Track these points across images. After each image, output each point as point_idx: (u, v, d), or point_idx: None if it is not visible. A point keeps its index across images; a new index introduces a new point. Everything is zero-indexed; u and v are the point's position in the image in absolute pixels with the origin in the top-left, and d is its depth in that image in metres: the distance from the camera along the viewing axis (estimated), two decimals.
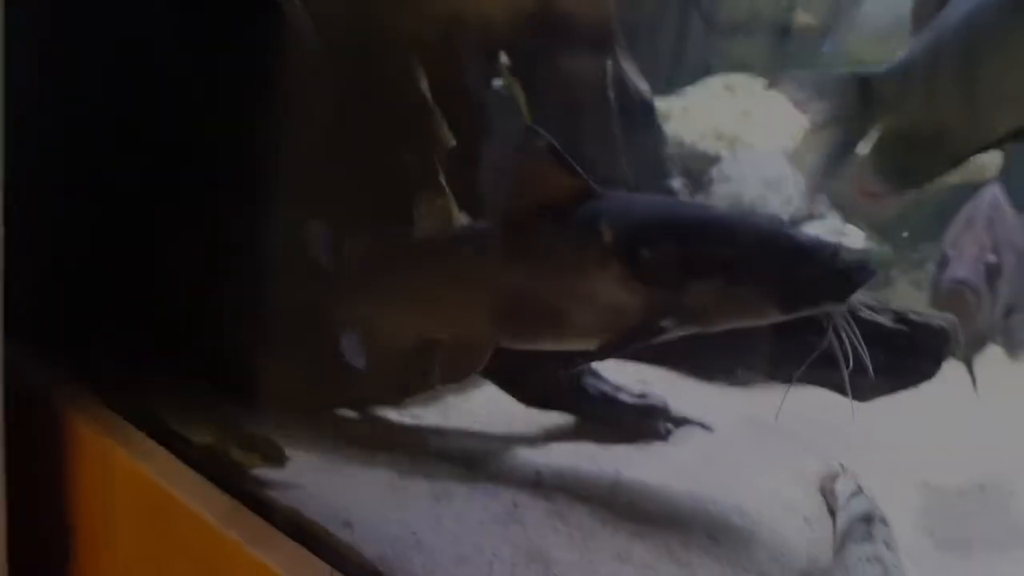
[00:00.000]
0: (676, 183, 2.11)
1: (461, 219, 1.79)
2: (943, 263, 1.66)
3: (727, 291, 1.22)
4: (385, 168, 1.58)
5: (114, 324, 1.73)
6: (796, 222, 2.15)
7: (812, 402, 1.93)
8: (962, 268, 1.61)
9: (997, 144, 1.08)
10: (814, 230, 2.16)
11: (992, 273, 1.62)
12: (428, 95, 1.59)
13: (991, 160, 2.59)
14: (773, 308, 1.23)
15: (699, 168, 2.35)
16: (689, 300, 1.22)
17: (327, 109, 1.55)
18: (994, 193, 1.78)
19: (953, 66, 1.08)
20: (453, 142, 1.60)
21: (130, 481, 1.44)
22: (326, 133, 1.53)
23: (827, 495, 1.56)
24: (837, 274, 1.19)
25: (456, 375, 1.45)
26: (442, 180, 1.60)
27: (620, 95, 2.06)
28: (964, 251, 1.65)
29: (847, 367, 1.30)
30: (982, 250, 1.64)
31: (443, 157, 1.60)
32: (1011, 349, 1.91)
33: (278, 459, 1.41)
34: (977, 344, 1.73)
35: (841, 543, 1.36)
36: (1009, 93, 1.01)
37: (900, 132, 1.21)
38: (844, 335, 1.25)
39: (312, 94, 1.54)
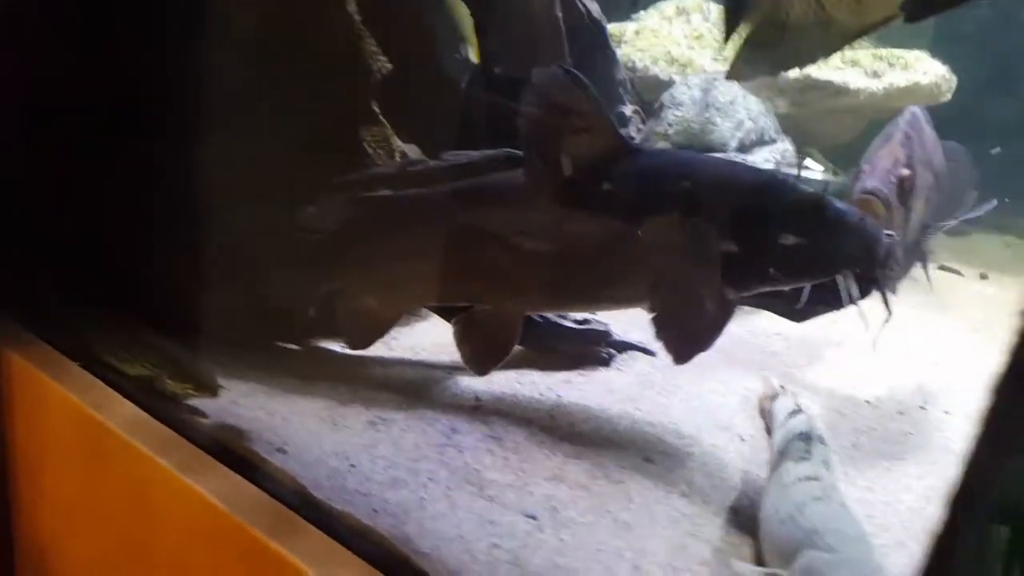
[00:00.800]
0: (627, 109, 2.08)
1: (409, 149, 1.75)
2: (857, 177, 1.67)
3: (773, 259, 1.25)
4: (316, 97, 1.52)
5: (50, 259, 1.69)
6: (745, 147, 2.13)
7: (753, 326, 1.96)
8: (872, 179, 1.62)
9: (872, 30, 1.11)
10: (765, 154, 2.15)
11: (904, 187, 1.62)
12: (357, 18, 1.53)
13: (945, 85, 2.58)
14: (816, 273, 1.28)
15: (652, 93, 2.31)
16: (744, 270, 1.25)
17: (253, 33, 1.48)
18: (913, 112, 1.79)
19: None
20: (388, 66, 1.54)
21: (65, 413, 1.43)
22: (254, 61, 1.47)
23: (765, 415, 1.58)
24: (868, 241, 1.25)
25: (487, 355, 1.41)
26: (375, 108, 1.55)
27: (570, 17, 2.00)
28: (877, 164, 1.65)
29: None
30: (895, 164, 1.64)
31: (375, 85, 1.54)
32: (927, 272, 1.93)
33: (211, 389, 1.40)
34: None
35: (778, 461, 1.38)
36: None
37: (774, 21, 1.23)
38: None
39: (237, 17, 1.47)
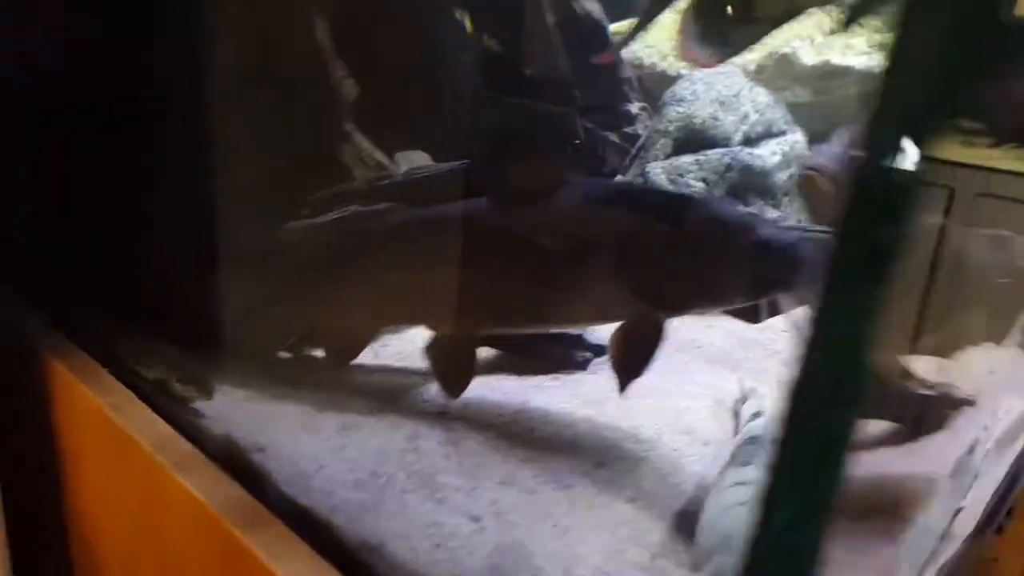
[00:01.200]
0: (634, 108, 2.07)
1: (399, 164, 1.85)
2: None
3: (697, 284, 1.31)
4: (289, 123, 1.63)
5: (85, 267, 1.87)
6: (752, 140, 2.07)
7: (733, 328, 1.93)
8: (820, 157, 1.58)
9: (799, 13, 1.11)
10: (772, 146, 2.08)
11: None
12: (326, 45, 1.62)
13: None
14: (741, 296, 1.34)
15: (661, 89, 2.28)
16: (672, 291, 1.31)
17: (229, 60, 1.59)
18: None
19: None
20: (353, 94, 1.63)
21: (91, 415, 1.63)
22: (234, 86, 1.58)
23: (736, 419, 1.58)
24: (792, 265, 1.26)
25: (453, 381, 1.51)
26: (349, 128, 1.64)
27: (568, 18, 2.02)
28: (832, 145, 1.61)
29: None
30: (850, 144, 1.59)
31: (346, 106, 1.63)
32: None
33: (207, 392, 1.56)
34: None
35: (726, 466, 1.39)
36: None
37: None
38: None
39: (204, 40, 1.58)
